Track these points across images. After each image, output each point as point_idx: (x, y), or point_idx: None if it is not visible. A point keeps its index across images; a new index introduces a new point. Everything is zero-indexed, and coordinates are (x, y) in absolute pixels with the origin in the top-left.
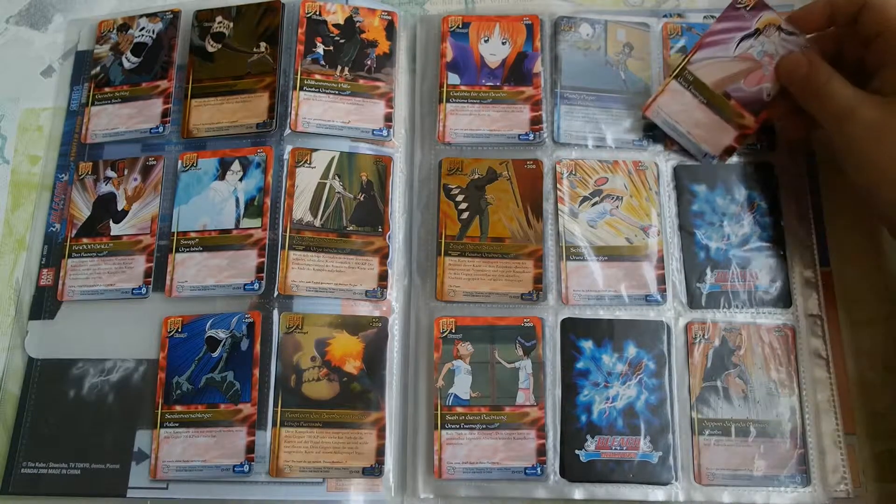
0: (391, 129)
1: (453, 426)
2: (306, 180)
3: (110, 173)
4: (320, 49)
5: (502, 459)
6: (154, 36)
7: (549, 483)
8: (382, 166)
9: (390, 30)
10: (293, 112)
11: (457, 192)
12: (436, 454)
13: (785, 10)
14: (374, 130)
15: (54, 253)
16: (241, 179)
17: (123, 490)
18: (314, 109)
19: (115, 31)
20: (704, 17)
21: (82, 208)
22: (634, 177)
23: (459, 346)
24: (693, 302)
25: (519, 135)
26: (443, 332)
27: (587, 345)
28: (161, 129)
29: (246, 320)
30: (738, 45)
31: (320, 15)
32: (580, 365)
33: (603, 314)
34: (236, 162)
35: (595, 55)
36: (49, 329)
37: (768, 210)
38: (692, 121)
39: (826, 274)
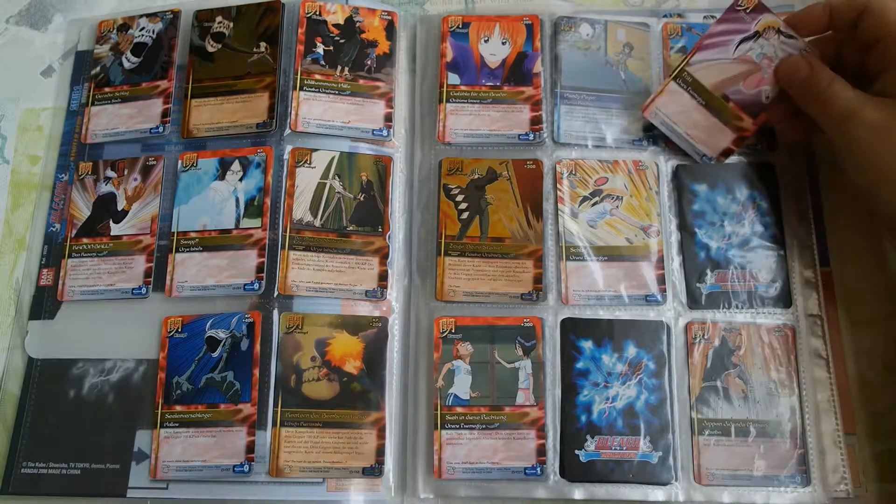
0: (391, 129)
1: (453, 426)
2: (306, 180)
3: (110, 173)
4: (320, 49)
5: (502, 459)
6: (154, 36)
7: (548, 483)
8: (382, 166)
9: (390, 30)
10: (293, 112)
11: (457, 192)
12: (436, 454)
13: (785, 10)
14: (374, 130)
15: (54, 253)
16: (241, 179)
17: (123, 490)
18: (314, 109)
19: (115, 31)
20: (704, 17)
21: (82, 208)
22: (634, 176)
23: (459, 346)
24: (693, 302)
25: (519, 135)
26: (443, 332)
27: (587, 345)
28: (161, 129)
29: (246, 320)
30: (737, 47)
31: (320, 15)
32: (580, 365)
33: (603, 314)
34: (236, 162)
35: (595, 55)
36: (49, 329)
37: (768, 210)
38: (690, 122)
39: (826, 274)
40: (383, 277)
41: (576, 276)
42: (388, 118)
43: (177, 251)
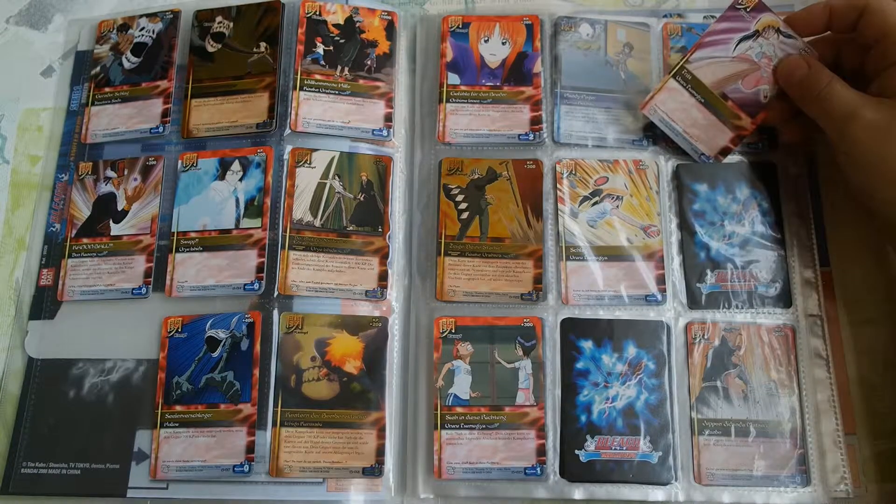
0: (391, 129)
1: (453, 426)
2: (306, 180)
3: (110, 173)
4: (320, 49)
5: (502, 459)
6: (154, 36)
7: (548, 483)
8: (382, 166)
9: (390, 30)
10: (293, 112)
11: (457, 192)
12: (436, 454)
13: (785, 10)
14: (374, 130)
15: (54, 253)
16: (241, 179)
17: (123, 490)
18: (314, 109)
19: (115, 31)
20: (704, 17)
21: (82, 208)
22: (635, 176)
23: (459, 346)
24: (693, 302)
25: (519, 135)
26: (443, 332)
27: (587, 345)
28: (161, 129)
29: (246, 320)
30: (736, 45)
31: (320, 15)
32: (580, 365)
33: (603, 314)
34: (236, 162)
35: (595, 55)
36: (49, 329)
37: (768, 210)
38: (689, 120)
39: (826, 274)
40: (383, 277)
41: (576, 276)
42: (388, 118)
43: (177, 251)
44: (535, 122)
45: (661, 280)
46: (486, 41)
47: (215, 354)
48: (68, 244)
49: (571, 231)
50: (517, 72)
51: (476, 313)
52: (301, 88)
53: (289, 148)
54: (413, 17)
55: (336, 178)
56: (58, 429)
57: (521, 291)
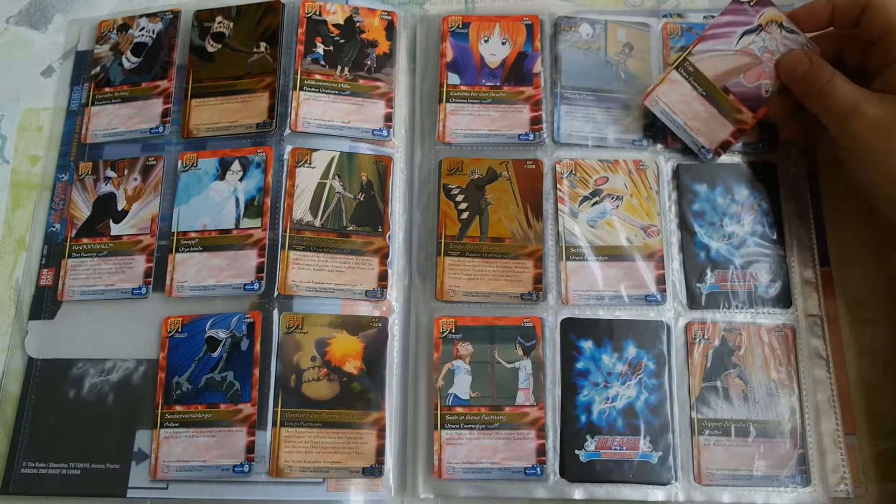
0: (391, 129)
1: (453, 426)
2: (306, 180)
3: (110, 173)
4: (320, 49)
5: (502, 459)
6: (154, 36)
7: (548, 483)
8: (382, 166)
9: (390, 30)
10: (293, 112)
11: (457, 192)
12: (436, 454)
13: (786, 8)
14: (374, 130)
15: (54, 253)
16: (241, 179)
17: (123, 490)
18: (314, 109)
19: (115, 31)
20: (704, 17)
21: (82, 208)
22: (635, 176)
23: (459, 346)
24: (693, 302)
25: (519, 135)
26: (443, 332)
27: (587, 345)
28: (161, 129)
29: (246, 320)
30: (739, 39)
31: (320, 15)
32: (580, 365)
33: (603, 314)
34: (236, 162)
35: (595, 55)
36: (49, 329)
37: (768, 210)
38: (690, 112)
39: (826, 274)
40: (383, 277)
41: (576, 276)
42: (388, 118)
43: (177, 251)
44: (535, 122)
45: (661, 280)
46: (486, 41)
47: (215, 354)
48: (68, 244)
49: (571, 231)
50: (517, 72)
51: (476, 313)
52: (301, 88)
53: (289, 148)
54: (413, 17)
55: (336, 178)
56: (58, 429)
57: (521, 291)
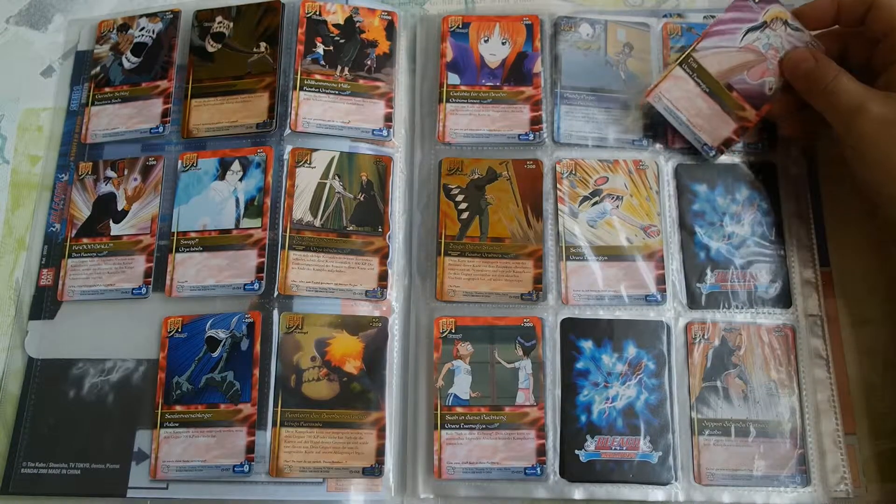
0: (391, 129)
1: (453, 426)
2: (306, 180)
3: (110, 173)
4: (320, 49)
5: (502, 459)
6: (154, 36)
7: (548, 483)
8: (382, 166)
9: (390, 30)
10: (293, 112)
11: (457, 192)
12: (436, 454)
13: (793, 5)
14: (374, 130)
15: (54, 253)
16: (241, 179)
17: (123, 490)
18: (314, 109)
19: (115, 31)
20: (704, 17)
21: (82, 208)
22: (635, 176)
23: (459, 346)
24: (693, 302)
25: (519, 135)
26: (443, 332)
27: (587, 345)
28: (161, 129)
29: (246, 320)
30: (744, 36)
31: (320, 15)
32: (580, 365)
33: (603, 314)
34: (236, 162)
35: (595, 55)
36: (49, 329)
37: (768, 210)
38: (693, 109)
39: (826, 274)
40: (383, 277)
41: (576, 276)
42: (388, 118)
43: (177, 251)
44: (535, 122)
45: (661, 280)
46: (486, 41)
47: (215, 354)
48: (68, 244)
49: (571, 231)
50: (517, 72)
51: (476, 313)
52: (301, 88)
53: (289, 148)
54: (413, 17)
55: (336, 178)
56: (58, 429)
57: (521, 291)
